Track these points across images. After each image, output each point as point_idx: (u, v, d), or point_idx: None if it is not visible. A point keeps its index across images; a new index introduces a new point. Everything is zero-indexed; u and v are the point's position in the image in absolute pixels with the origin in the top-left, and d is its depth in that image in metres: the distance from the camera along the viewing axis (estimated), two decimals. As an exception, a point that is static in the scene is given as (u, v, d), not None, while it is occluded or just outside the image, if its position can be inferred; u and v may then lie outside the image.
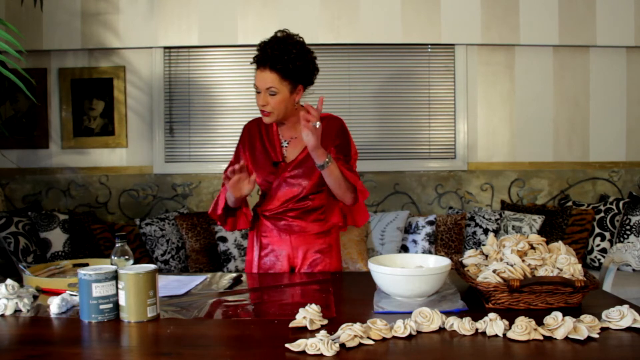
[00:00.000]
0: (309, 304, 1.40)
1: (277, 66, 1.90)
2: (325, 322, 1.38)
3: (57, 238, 3.52)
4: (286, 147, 2.08)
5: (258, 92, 1.96)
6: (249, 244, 2.18)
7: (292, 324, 1.36)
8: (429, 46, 3.96)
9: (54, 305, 1.51)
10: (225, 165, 4.25)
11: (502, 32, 3.85)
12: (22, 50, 3.13)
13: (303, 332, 1.32)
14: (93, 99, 3.93)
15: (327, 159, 1.89)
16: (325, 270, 2.08)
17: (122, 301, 1.44)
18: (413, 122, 3.99)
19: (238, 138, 2.17)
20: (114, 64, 3.91)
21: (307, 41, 3.95)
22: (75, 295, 1.54)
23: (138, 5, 3.82)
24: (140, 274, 1.43)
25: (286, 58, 1.90)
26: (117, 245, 1.54)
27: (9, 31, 3.45)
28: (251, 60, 1.97)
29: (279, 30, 1.98)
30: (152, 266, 1.48)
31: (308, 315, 1.36)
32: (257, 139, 2.10)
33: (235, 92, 3.95)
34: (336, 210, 2.14)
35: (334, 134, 2.05)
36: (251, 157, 2.09)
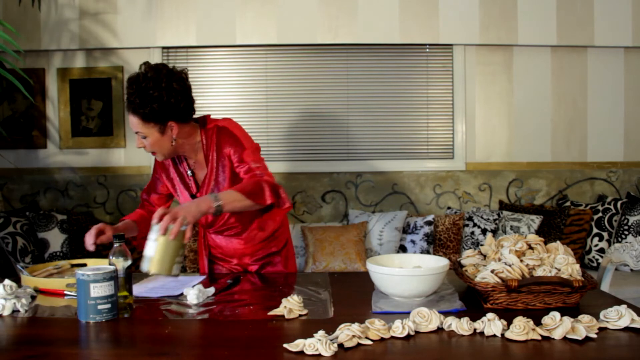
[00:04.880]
0: (290, 295, 1.48)
1: (137, 110, 1.76)
2: (305, 312, 1.45)
3: (55, 238, 3.51)
4: (192, 176, 1.99)
5: (137, 133, 1.84)
6: (199, 253, 2.18)
7: (270, 312, 1.45)
8: (427, 46, 3.96)
9: (192, 296, 1.57)
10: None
11: (500, 32, 3.86)
12: (20, 50, 3.13)
13: (301, 332, 1.32)
14: (91, 99, 3.92)
15: (215, 203, 1.68)
16: (277, 271, 2.11)
17: (150, 252, 1.47)
18: (411, 122, 4.00)
19: None
20: (112, 64, 3.91)
21: (306, 41, 4.00)
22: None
23: (136, 5, 3.82)
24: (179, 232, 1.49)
25: (139, 102, 1.74)
26: (115, 245, 1.54)
27: (7, 31, 3.45)
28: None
29: (143, 63, 1.81)
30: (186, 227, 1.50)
31: (288, 304, 1.44)
32: (171, 168, 2.02)
33: (234, 92, 3.95)
34: (271, 216, 2.08)
35: (225, 146, 1.92)
36: (172, 187, 2.04)
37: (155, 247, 1.51)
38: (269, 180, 1.85)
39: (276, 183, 1.86)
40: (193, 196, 1.98)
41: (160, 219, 1.58)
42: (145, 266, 1.57)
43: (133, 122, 1.80)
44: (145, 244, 1.58)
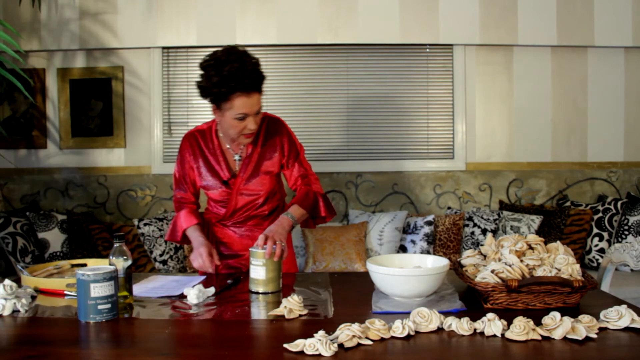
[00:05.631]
0: (291, 295, 1.49)
1: (259, 85, 1.82)
2: (305, 312, 1.46)
3: (55, 238, 3.51)
4: (238, 160, 2.02)
5: (242, 119, 1.83)
6: None
7: (271, 312, 1.46)
8: (427, 46, 3.96)
9: (192, 296, 1.59)
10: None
11: (500, 32, 3.86)
12: (21, 50, 3.13)
13: (301, 332, 1.32)
14: (91, 99, 3.92)
15: (292, 221, 1.92)
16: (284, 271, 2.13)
17: (259, 275, 1.69)
18: (411, 122, 3.99)
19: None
20: (113, 64, 3.91)
21: (306, 41, 4.00)
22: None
23: (136, 6, 3.82)
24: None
25: (256, 75, 1.80)
26: (115, 245, 1.54)
27: (7, 31, 3.46)
28: (224, 93, 1.78)
29: (224, 50, 1.81)
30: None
31: (288, 305, 1.45)
32: (199, 156, 2.02)
33: (234, 92, 3.95)
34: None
35: (278, 137, 2.01)
36: (198, 174, 2.03)
37: (264, 270, 1.70)
38: (320, 191, 2.06)
39: (324, 193, 2.07)
40: (225, 183, 2.00)
41: (263, 244, 1.74)
42: (256, 287, 1.72)
43: (254, 100, 1.80)
44: (250, 269, 1.73)
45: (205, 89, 1.81)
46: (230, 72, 1.75)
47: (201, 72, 1.83)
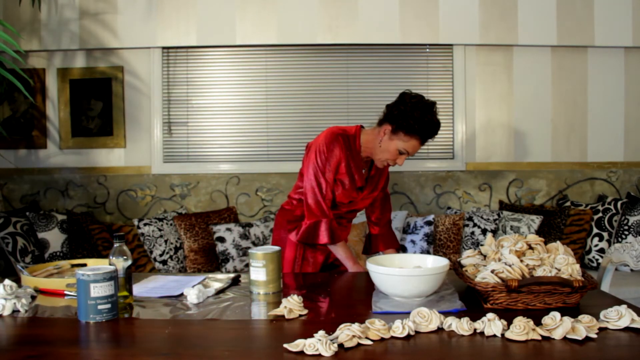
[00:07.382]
0: (290, 295, 1.49)
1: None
2: (305, 312, 1.46)
3: (55, 238, 3.51)
4: (364, 172, 2.23)
5: (401, 154, 2.09)
6: (288, 243, 2.23)
7: (271, 312, 1.46)
8: (427, 47, 3.96)
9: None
10: (223, 166, 4.20)
11: (500, 32, 3.86)
12: (21, 50, 3.13)
13: (301, 332, 1.32)
14: (91, 99, 3.92)
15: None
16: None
17: (261, 277, 1.68)
18: (411, 122, 3.99)
19: (325, 149, 2.18)
20: (113, 64, 3.91)
21: (306, 42, 4.00)
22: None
23: (136, 6, 3.82)
24: (276, 252, 1.71)
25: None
26: (115, 245, 1.54)
27: (7, 31, 3.46)
28: (413, 129, 2.01)
29: (427, 100, 2.05)
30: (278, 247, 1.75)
31: (288, 305, 1.45)
32: (345, 155, 2.16)
33: (234, 92, 3.95)
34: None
35: (386, 175, 2.33)
36: (339, 170, 2.16)
37: (264, 272, 1.70)
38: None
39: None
40: (360, 188, 2.21)
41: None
42: (257, 289, 1.72)
43: (418, 149, 2.07)
44: (250, 270, 1.74)
45: (405, 117, 2.01)
46: (430, 121, 2.02)
47: (403, 101, 2.04)
